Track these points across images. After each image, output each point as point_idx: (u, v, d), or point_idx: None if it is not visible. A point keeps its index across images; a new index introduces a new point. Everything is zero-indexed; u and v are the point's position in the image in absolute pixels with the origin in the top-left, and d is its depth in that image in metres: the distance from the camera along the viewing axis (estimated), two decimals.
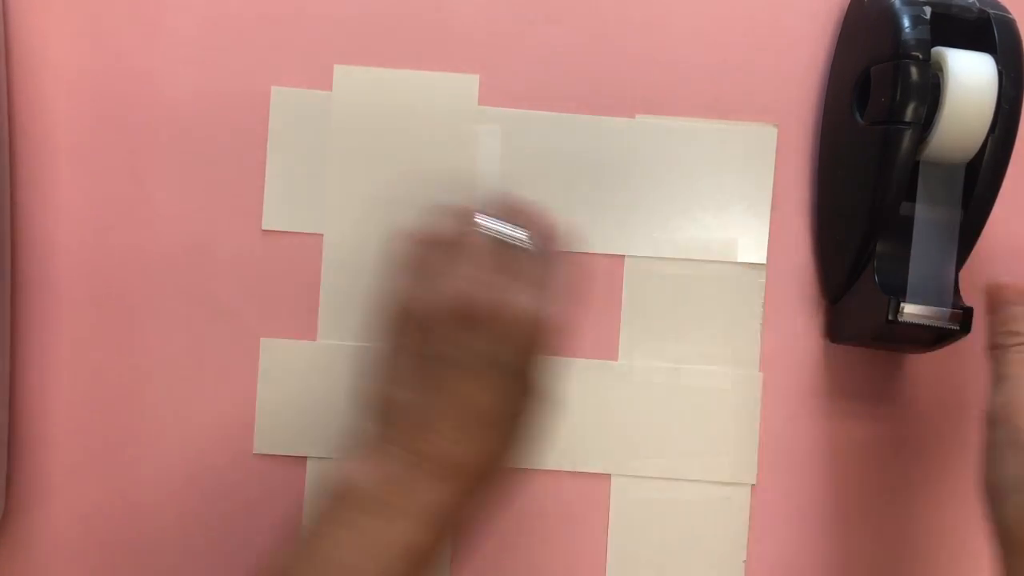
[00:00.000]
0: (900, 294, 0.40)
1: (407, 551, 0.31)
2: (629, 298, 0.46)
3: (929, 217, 0.41)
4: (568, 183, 0.46)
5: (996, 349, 0.39)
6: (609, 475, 0.46)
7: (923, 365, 0.47)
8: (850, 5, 0.45)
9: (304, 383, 0.46)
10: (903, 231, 0.41)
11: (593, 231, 0.46)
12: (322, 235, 0.46)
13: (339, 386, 0.46)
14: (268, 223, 0.46)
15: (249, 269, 0.46)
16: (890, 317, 0.40)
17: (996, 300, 0.40)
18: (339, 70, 0.46)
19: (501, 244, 0.34)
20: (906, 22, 0.40)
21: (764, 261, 0.46)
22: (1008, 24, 0.40)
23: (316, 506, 0.33)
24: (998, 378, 0.38)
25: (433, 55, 0.46)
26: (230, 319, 0.46)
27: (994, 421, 0.37)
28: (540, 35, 0.46)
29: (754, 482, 0.46)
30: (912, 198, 0.41)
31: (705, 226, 0.46)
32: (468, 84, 0.46)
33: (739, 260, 0.46)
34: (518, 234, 0.35)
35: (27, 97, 0.46)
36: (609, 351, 0.46)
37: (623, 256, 0.46)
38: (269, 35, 0.46)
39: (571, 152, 0.46)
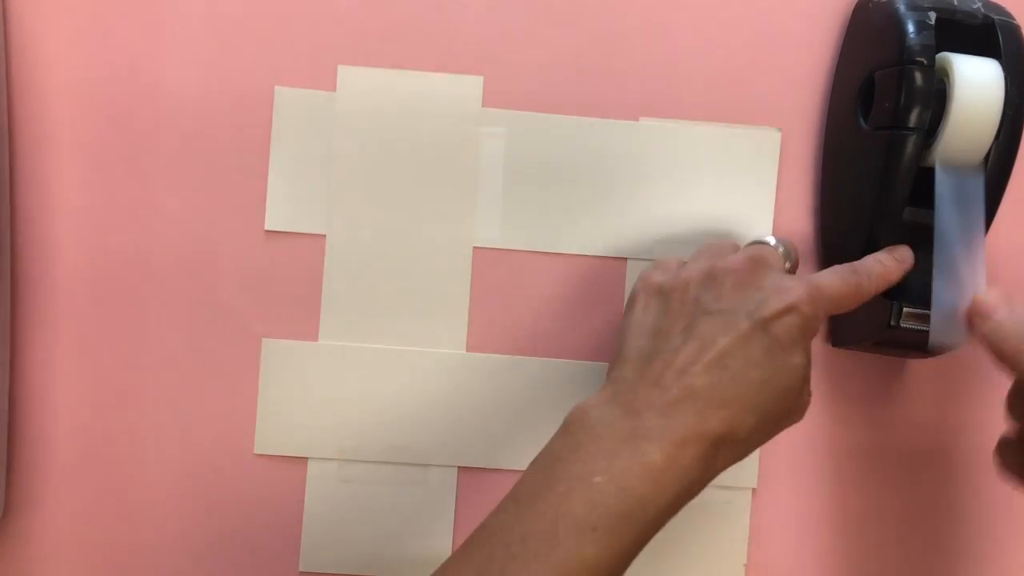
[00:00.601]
0: (902, 299, 0.40)
1: (650, 472, 0.33)
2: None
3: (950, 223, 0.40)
4: (571, 185, 0.46)
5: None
6: None
7: (924, 370, 0.47)
8: (854, 10, 0.45)
9: (305, 384, 0.46)
10: (906, 236, 0.41)
11: (596, 234, 0.46)
12: (324, 236, 0.46)
13: (341, 387, 0.46)
14: (271, 224, 0.46)
15: (251, 270, 0.46)
16: (892, 322, 0.40)
17: (983, 313, 0.38)
18: (343, 70, 0.45)
19: (748, 245, 0.40)
20: (910, 27, 0.40)
21: None
22: (1012, 29, 0.40)
23: (556, 438, 0.36)
24: None
25: (437, 56, 0.46)
26: (231, 319, 0.46)
27: None
28: (545, 37, 0.46)
29: (755, 486, 0.46)
30: (915, 203, 0.41)
31: (708, 230, 0.46)
32: (472, 85, 0.45)
33: None
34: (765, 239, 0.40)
35: (27, 97, 0.45)
36: (611, 353, 0.46)
37: (626, 259, 0.46)
38: (272, 35, 0.46)
39: (575, 154, 0.46)
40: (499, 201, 0.46)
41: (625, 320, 0.39)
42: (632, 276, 0.46)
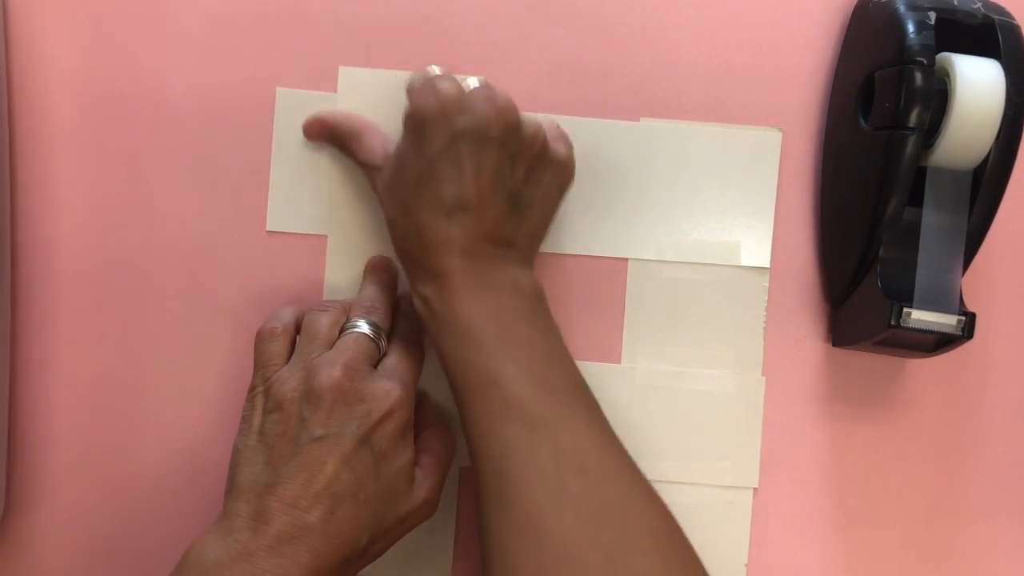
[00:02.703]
0: (903, 299, 0.40)
1: None
2: (632, 301, 0.46)
3: (936, 223, 0.41)
4: (572, 185, 0.46)
5: None
6: None
7: (925, 369, 0.47)
8: (854, 10, 0.45)
9: None
10: (906, 236, 0.41)
11: (597, 233, 0.46)
12: (326, 236, 0.46)
13: None
14: (272, 224, 0.46)
15: (252, 270, 0.46)
16: (892, 322, 0.40)
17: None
18: (344, 71, 0.45)
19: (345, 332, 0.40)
20: (910, 27, 0.40)
21: (767, 265, 0.46)
22: (1013, 30, 0.40)
23: None
24: None
25: (438, 57, 0.46)
26: (232, 320, 0.46)
27: None
28: (545, 38, 0.46)
29: (756, 485, 0.46)
30: (915, 203, 0.41)
31: (709, 229, 0.46)
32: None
33: (742, 264, 0.46)
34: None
35: (28, 97, 0.45)
36: (612, 354, 0.46)
37: (626, 259, 0.46)
38: (274, 36, 0.46)
39: (576, 154, 0.46)
40: None
41: (239, 438, 0.38)
42: (633, 276, 0.46)
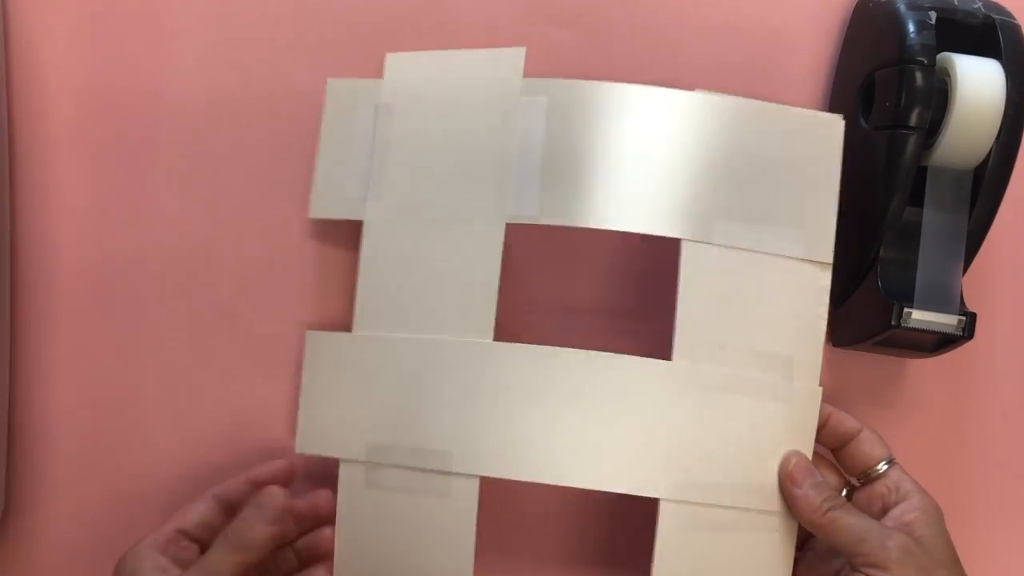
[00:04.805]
0: (903, 299, 0.40)
1: None
2: (686, 288, 0.40)
3: (936, 223, 0.41)
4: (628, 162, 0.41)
5: (829, 512, 0.39)
6: (657, 499, 0.40)
7: (925, 369, 0.47)
8: (854, 10, 0.45)
9: (341, 377, 0.42)
10: (907, 236, 0.41)
11: (648, 207, 0.40)
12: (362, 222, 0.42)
13: (373, 380, 0.42)
14: (315, 211, 0.43)
15: (254, 271, 0.46)
16: (893, 322, 0.40)
17: (793, 481, 0.40)
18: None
19: None
20: (911, 27, 0.40)
21: (830, 260, 0.41)
22: (1013, 29, 0.41)
23: None
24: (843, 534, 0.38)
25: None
26: (233, 320, 0.46)
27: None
28: (545, 38, 0.46)
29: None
30: (916, 203, 0.41)
31: (765, 214, 0.41)
32: (513, 57, 0.42)
33: (801, 256, 0.41)
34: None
35: (28, 97, 0.45)
36: (660, 349, 0.40)
37: (679, 239, 0.40)
38: (275, 36, 0.46)
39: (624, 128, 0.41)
40: (536, 178, 0.41)
41: None
42: (687, 258, 0.40)
